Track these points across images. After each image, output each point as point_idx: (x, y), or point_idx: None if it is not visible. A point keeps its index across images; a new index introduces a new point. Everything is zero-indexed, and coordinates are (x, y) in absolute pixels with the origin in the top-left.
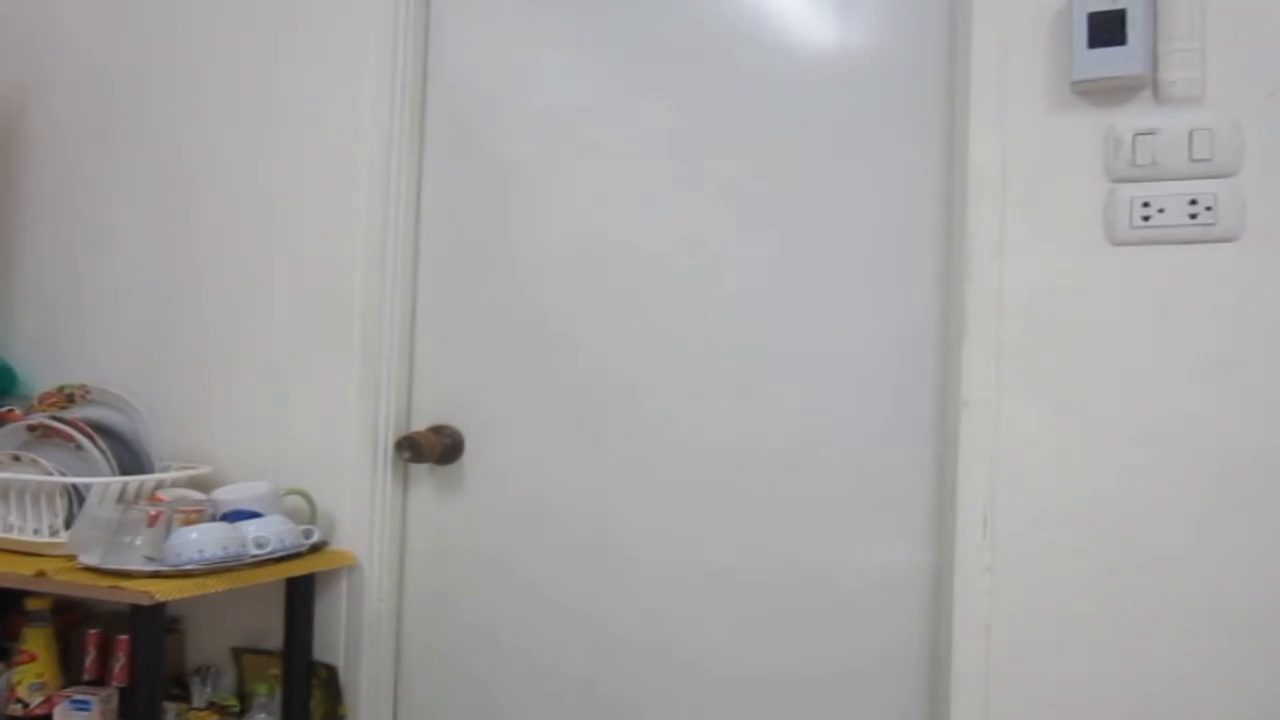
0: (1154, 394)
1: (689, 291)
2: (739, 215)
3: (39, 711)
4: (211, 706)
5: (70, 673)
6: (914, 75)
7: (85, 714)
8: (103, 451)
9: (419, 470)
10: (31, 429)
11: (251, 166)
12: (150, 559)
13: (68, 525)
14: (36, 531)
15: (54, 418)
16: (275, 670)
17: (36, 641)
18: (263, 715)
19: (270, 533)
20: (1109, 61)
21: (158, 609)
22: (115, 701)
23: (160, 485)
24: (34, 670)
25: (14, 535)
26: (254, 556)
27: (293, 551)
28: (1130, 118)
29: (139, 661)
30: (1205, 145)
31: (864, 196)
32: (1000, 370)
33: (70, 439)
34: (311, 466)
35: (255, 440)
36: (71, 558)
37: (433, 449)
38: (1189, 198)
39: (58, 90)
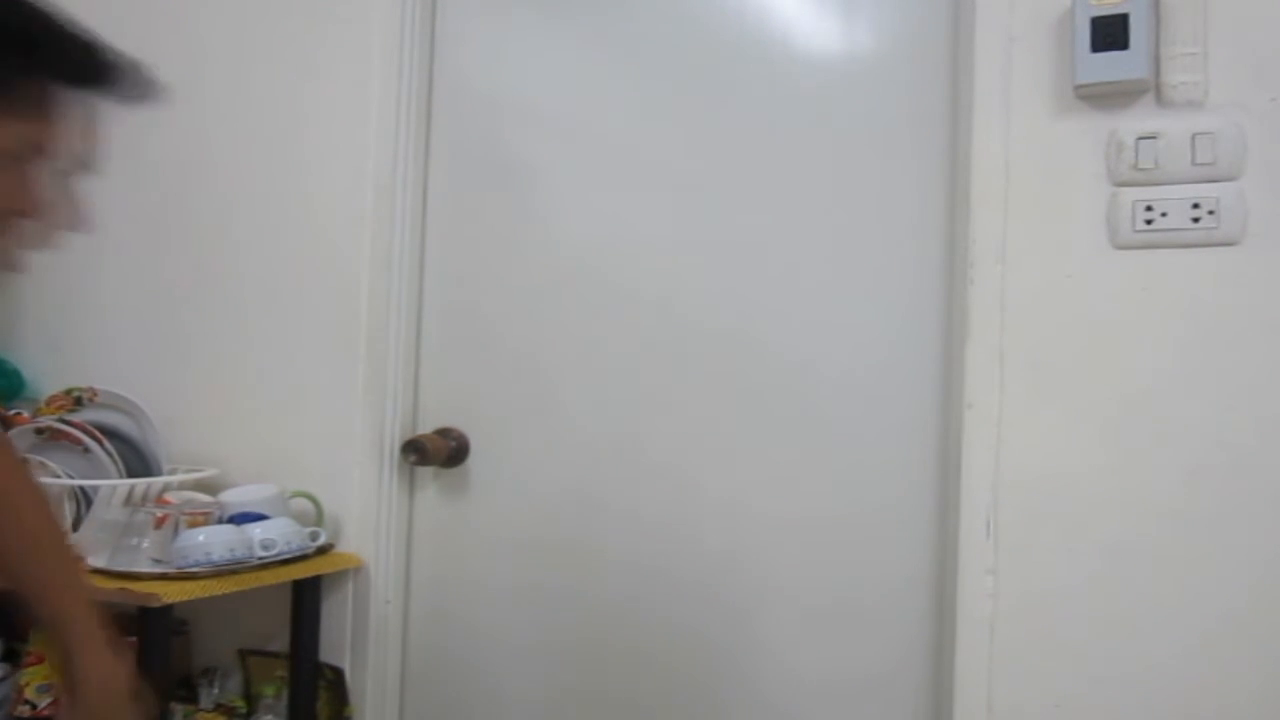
0: (1156, 396)
1: (693, 295)
2: (744, 218)
3: (47, 713)
4: (218, 708)
5: None
6: (917, 79)
7: None
8: (110, 454)
9: (425, 473)
10: (39, 432)
11: (257, 170)
12: (157, 561)
13: (75, 528)
14: None
15: (62, 420)
16: (281, 672)
17: (45, 643)
18: (269, 717)
19: (277, 535)
20: (1112, 66)
21: (165, 611)
22: None
23: (167, 488)
24: (42, 672)
25: None
26: (260, 559)
27: (299, 554)
28: (1133, 122)
29: (146, 663)
30: (1208, 149)
31: (868, 200)
32: (1003, 373)
33: (78, 442)
34: (318, 469)
35: (262, 443)
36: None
37: (438, 452)
38: (1191, 201)
39: None
